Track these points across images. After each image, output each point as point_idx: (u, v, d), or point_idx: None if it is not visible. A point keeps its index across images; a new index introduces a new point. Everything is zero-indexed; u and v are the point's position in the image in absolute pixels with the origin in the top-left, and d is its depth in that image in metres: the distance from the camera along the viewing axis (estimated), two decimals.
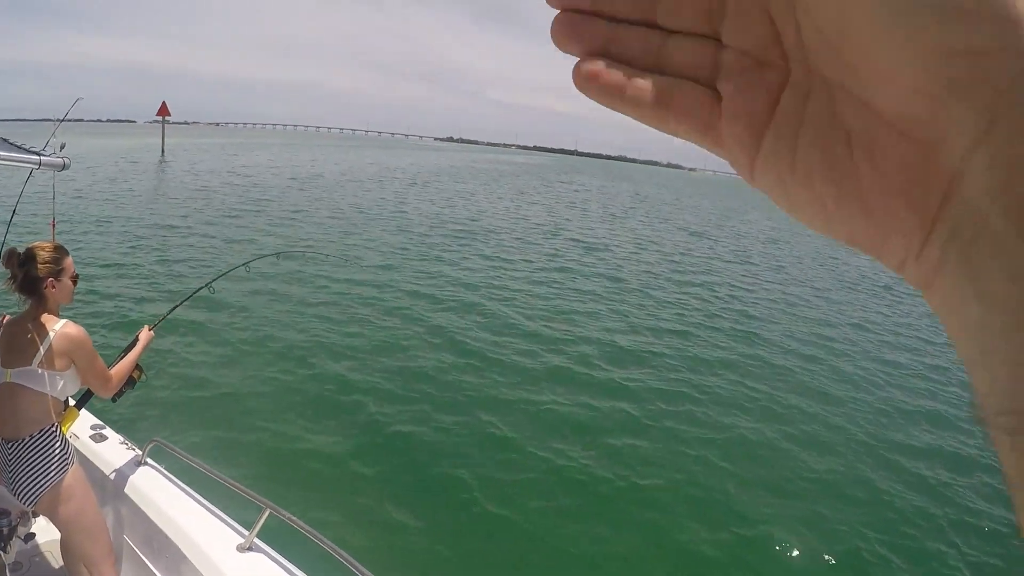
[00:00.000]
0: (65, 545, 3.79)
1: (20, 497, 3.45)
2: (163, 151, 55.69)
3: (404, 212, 29.65)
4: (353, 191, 38.82)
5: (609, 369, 11.76)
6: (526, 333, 13.39)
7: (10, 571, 3.67)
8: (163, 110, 48.85)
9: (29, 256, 3.46)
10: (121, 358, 4.03)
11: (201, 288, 5.51)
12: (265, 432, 8.39)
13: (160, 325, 4.62)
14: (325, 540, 3.06)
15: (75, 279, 3.69)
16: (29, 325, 3.46)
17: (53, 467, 3.46)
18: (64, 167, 3.51)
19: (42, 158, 3.22)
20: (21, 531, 3.80)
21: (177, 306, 5.25)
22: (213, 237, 19.88)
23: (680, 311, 16.83)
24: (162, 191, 31.10)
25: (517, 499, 7.28)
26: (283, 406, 9.20)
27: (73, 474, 3.57)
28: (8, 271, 3.44)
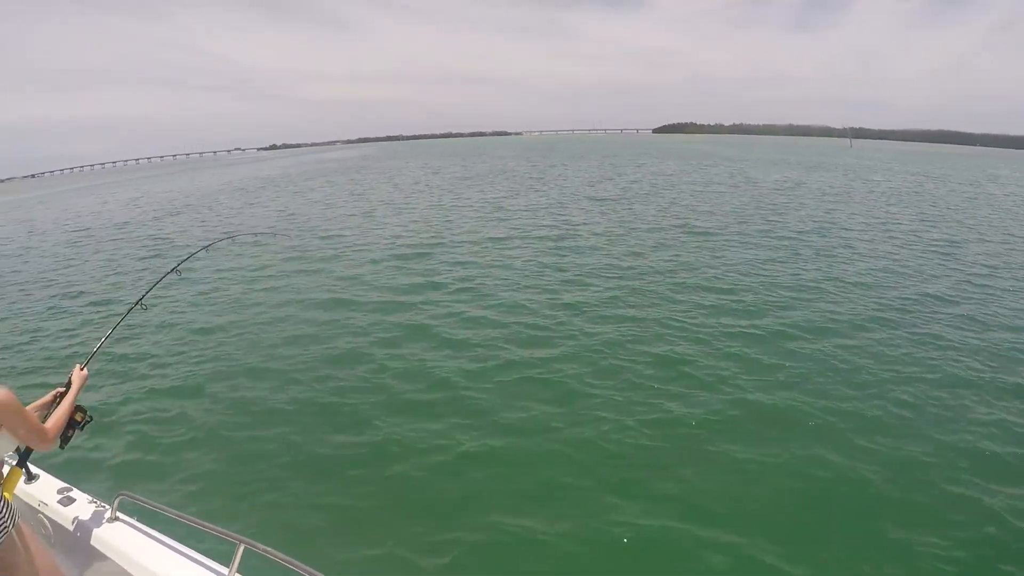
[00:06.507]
0: None
1: None
2: None
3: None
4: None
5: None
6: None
7: None
8: None
9: None
10: (57, 404, 4.12)
11: (131, 309, 5.52)
12: (229, 462, 8.71)
13: (93, 361, 4.66)
14: (302, 566, 3.12)
15: None
16: None
17: None
18: None
19: None
20: None
21: (107, 336, 5.20)
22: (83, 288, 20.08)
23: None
24: None
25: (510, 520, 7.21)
26: (240, 432, 9.56)
27: (17, 533, 3.62)
28: None
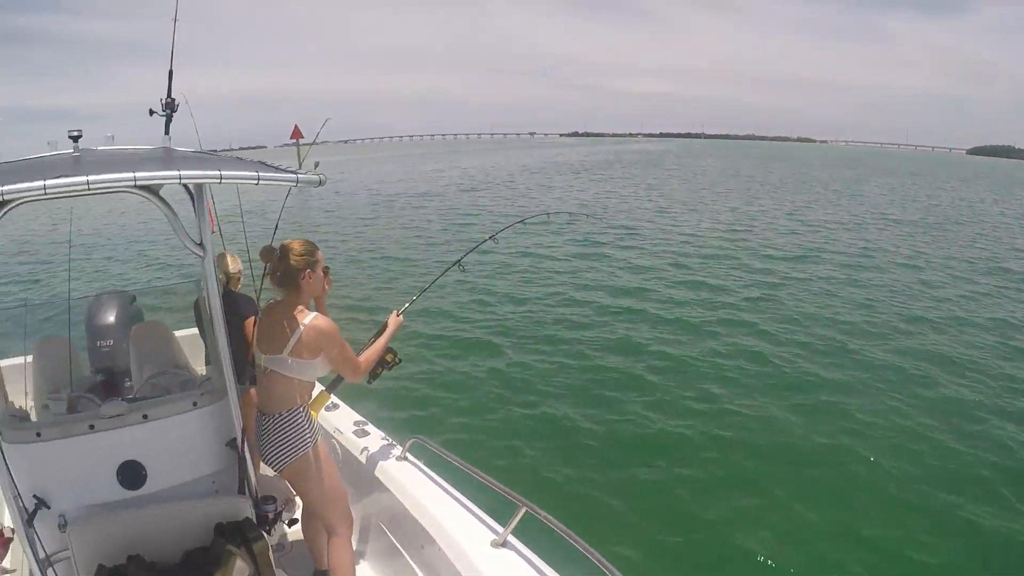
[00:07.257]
0: (306, 512, 4.37)
1: (269, 464, 3.94)
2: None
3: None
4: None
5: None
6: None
7: (274, 551, 3.93)
8: (296, 133, 50.09)
9: (285, 251, 3.82)
10: (372, 343, 4.44)
11: (448, 268, 5.68)
12: (527, 428, 9.03)
13: (408, 310, 4.86)
14: (581, 541, 3.10)
15: (326, 271, 4.03)
16: (283, 315, 3.81)
17: (297, 443, 3.86)
18: (320, 183, 3.44)
19: (299, 176, 3.26)
20: (285, 516, 4.33)
21: (424, 290, 5.46)
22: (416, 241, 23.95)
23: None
24: (331, 205, 36.16)
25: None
26: (545, 399, 9.91)
27: (315, 450, 3.94)
28: (269, 266, 3.81)
